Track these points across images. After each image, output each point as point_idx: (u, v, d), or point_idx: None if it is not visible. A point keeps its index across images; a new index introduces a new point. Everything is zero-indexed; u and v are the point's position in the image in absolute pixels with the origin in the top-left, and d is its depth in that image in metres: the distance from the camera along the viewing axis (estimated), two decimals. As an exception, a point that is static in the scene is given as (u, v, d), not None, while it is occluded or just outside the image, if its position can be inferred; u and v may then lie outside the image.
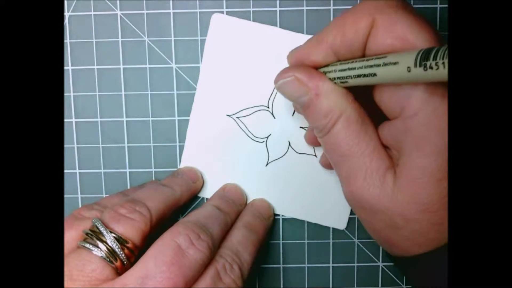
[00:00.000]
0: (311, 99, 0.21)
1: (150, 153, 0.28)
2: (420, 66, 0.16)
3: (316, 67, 0.22)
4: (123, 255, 0.21)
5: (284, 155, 0.28)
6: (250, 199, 0.28)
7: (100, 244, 0.21)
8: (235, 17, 0.27)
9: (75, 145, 0.28)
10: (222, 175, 0.28)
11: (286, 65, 0.23)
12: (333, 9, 0.27)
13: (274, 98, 0.27)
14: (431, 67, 0.16)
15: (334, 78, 0.21)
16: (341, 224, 0.28)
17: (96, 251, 0.21)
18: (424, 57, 0.16)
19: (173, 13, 0.27)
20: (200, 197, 0.28)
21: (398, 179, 0.20)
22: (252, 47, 0.27)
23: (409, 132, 0.19)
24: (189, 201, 0.27)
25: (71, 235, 0.22)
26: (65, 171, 0.28)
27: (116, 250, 0.21)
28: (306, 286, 0.29)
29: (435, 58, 0.16)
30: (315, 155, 0.27)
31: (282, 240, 0.29)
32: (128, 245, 0.21)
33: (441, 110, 0.18)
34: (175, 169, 0.28)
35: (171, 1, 0.27)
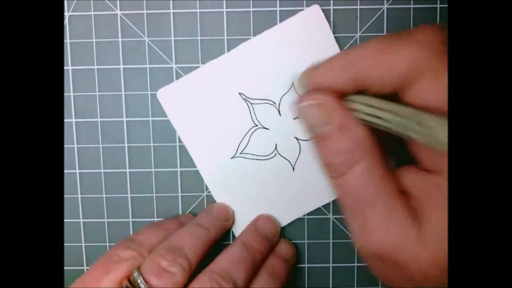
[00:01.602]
0: (332, 130, 0.19)
1: (150, 153, 0.28)
2: None
3: (338, 94, 0.20)
4: None
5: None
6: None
7: None
8: (179, 80, 0.27)
9: (75, 145, 0.28)
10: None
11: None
12: (333, 9, 0.27)
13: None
14: None
15: (358, 111, 0.19)
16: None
17: None
18: None
19: (173, 13, 0.27)
20: (201, 194, 0.28)
21: (424, 233, 0.18)
22: (212, 89, 0.27)
23: (440, 187, 0.18)
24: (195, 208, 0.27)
25: (108, 281, 0.23)
26: (65, 171, 0.28)
27: None
28: (306, 286, 0.29)
29: None
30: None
31: (282, 240, 0.29)
32: None
33: None
34: (175, 169, 0.28)
35: (171, 1, 0.27)
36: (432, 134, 0.16)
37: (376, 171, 0.19)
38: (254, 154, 0.27)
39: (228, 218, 0.27)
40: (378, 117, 0.18)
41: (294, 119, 0.27)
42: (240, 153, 0.27)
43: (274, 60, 0.27)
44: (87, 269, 0.29)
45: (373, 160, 0.19)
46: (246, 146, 0.27)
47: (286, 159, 0.27)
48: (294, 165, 0.28)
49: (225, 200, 0.28)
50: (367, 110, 0.19)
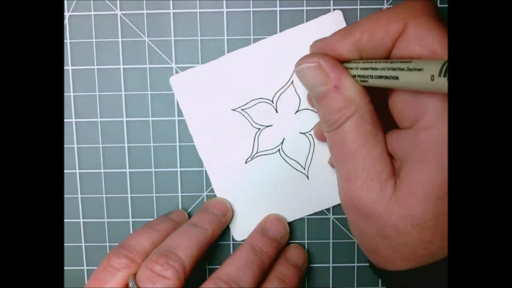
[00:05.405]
0: (328, 90, 0.21)
1: (150, 153, 0.28)
2: (444, 76, 0.16)
3: (339, 60, 0.22)
4: None
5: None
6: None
7: None
8: (191, 69, 0.27)
9: (75, 145, 0.28)
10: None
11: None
12: (333, 9, 0.27)
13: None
14: None
15: (355, 76, 0.21)
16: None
17: None
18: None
19: (173, 13, 0.27)
20: (201, 194, 0.28)
21: (398, 189, 0.20)
22: (221, 85, 0.27)
23: (418, 145, 0.19)
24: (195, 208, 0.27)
25: None
26: (65, 171, 0.28)
27: None
28: (306, 286, 0.29)
29: None
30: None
31: (282, 240, 0.29)
32: None
33: None
34: (175, 169, 0.28)
35: (171, 1, 0.27)
36: (419, 74, 0.17)
37: (363, 128, 0.21)
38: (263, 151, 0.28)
39: (225, 212, 0.27)
40: (372, 69, 0.20)
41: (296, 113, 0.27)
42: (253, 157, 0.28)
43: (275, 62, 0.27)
44: (87, 269, 0.29)
45: (361, 119, 0.21)
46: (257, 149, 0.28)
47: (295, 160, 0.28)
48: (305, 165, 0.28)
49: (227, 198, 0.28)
50: (362, 65, 0.20)
